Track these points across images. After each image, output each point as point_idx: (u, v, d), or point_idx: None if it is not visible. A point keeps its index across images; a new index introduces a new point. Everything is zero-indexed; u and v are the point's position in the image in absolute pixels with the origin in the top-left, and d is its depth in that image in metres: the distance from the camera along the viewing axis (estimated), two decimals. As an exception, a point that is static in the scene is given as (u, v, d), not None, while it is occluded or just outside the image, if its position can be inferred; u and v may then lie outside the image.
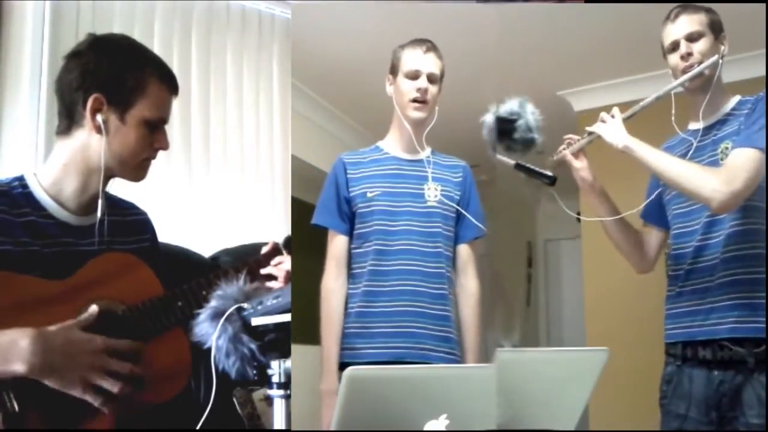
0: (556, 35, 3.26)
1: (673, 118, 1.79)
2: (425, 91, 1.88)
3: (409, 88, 1.89)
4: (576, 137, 1.83)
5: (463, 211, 1.94)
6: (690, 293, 1.72)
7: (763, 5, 1.87)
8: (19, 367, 1.28)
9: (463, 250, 1.95)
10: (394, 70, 1.96)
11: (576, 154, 1.82)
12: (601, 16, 3.09)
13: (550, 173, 1.82)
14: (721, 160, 1.67)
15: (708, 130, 1.74)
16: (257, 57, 3.30)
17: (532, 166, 1.83)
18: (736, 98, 1.75)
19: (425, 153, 1.97)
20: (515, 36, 3.19)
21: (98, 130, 1.49)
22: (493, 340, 2.08)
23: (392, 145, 1.99)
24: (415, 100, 1.89)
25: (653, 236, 1.89)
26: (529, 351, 1.30)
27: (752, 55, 2.87)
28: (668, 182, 1.70)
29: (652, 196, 1.86)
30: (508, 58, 3.32)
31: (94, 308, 1.43)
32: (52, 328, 1.34)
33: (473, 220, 1.94)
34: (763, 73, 2.34)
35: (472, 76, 2.71)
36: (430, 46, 1.92)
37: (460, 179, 1.97)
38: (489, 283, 1.98)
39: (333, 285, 1.89)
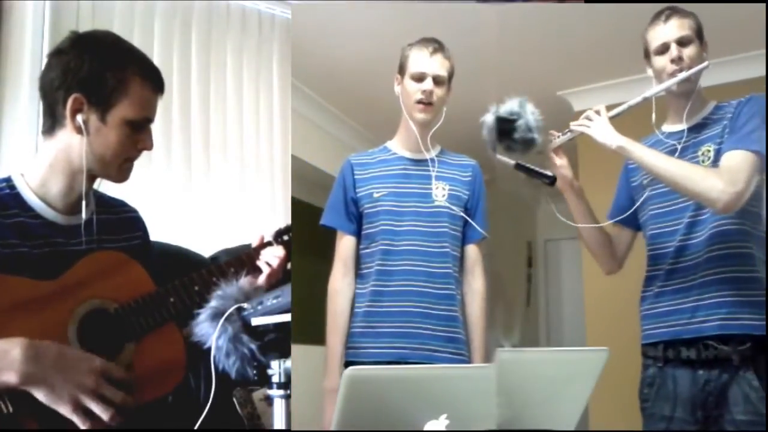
0: (556, 35, 3.26)
1: (653, 119, 1.80)
2: (430, 93, 1.87)
3: (414, 90, 1.88)
4: (557, 133, 1.83)
5: (471, 212, 1.94)
6: (672, 292, 1.73)
7: (763, 5, 1.87)
8: (9, 378, 1.27)
9: (472, 251, 1.95)
10: (401, 70, 1.94)
11: (556, 151, 1.83)
12: (601, 16, 3.09)
13: (550, 173, 1.83)
14: (702, 162, 1.69)
15: (688, 132, 1.76)
16: (257, 57, 3.29)
17: (532, 166, 1.83)
18: (713, 104, 1.78)
19: (432, 153, 1.96)
20: (515, 36, 3.19)
21: (78, 130, 1.46)
22: (493, 340, 2.08)
23: (400, 145, 1.99)
24: (420, 102, 1.88)
25: (623, 236, 1.91)
26: (529, 351, 1.30)
27: (752, 55, 2.87)
28: (668, 183, 1.69)
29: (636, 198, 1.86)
30: (508, 58, 3.31)
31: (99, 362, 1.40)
32: (48, 341, 1.33)
33: (481, 220, 1.95)
34: (763, 73, 2.34)
35: (472, 76, 2.70)
36: (438, 47, 1.90)
37: (470, 178, 1.96)
38: (489, 283, 1.98)
39: (339, 285, 1.91)
